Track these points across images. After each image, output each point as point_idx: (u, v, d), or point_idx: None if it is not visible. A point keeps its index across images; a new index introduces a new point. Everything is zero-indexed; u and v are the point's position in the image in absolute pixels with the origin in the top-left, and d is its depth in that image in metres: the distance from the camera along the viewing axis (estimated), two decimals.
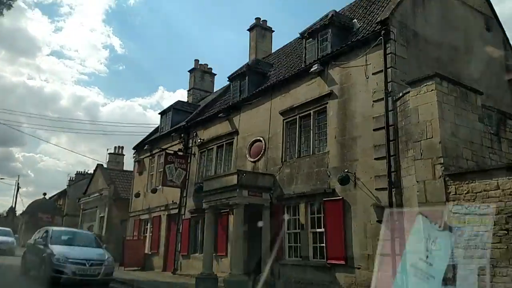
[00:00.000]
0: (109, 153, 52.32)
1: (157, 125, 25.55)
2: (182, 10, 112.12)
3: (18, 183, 55.49)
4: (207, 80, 27.42)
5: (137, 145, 24.38)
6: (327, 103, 12.38)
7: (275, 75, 16.24)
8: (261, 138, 14.85)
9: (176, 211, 18.84)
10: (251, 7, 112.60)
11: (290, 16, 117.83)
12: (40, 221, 42.65)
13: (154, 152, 22.00)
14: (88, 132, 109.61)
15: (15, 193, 55.46)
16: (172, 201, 19.24)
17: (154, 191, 20.15)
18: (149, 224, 21.33)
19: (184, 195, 18.59)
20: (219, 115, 17.12)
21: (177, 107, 22.34)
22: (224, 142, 16.97)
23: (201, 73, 27.04)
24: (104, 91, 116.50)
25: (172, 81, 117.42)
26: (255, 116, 15.50)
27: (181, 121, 21.56)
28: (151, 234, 20.85)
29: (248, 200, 13.18)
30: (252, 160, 14.98)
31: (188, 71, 27.15)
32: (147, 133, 25.65)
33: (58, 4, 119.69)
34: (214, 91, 26.88)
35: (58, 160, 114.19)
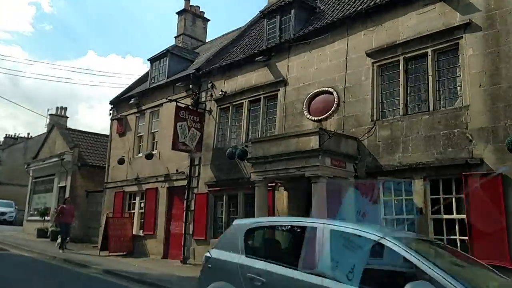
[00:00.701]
0: (49, 114, 45.95)
1: (140, 75, 20.62)
2: None
3: None
4: (199, 26, 22.65)
5: (116, 98, 19.35)
6: (461, 37, 8.73)
7: (337, 7, 12.32)
8: (331, 89, 10.97)
9: (184, 183, 14.54)
10: None
11: None
12: None
13: (144, 107, 17.28)
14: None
15: None
16: (177, 171, 14.89)
17: (149, 156, 15.61)
18: (137, 198, 16.79)
19: (196, 163, 14.33)
20: (256, 59, 12.87)
21: (174, 51, 17.62)
22: (262, 95, 12.83)
23: (192, 17, 22.21)
24: (28, 51, 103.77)
25: (104, 45, 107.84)
26: (316, 60, 11.53)
27: (179, 70, 17.00)
28: (141, 211, 16.38)
29: (332, 172, 9.40)
30: (315, 118, 11.10)
31: (176, 13, 22.19)
32: (124, 86, 20.69)
33: None
34: (208, 40, 22.31)
35: None
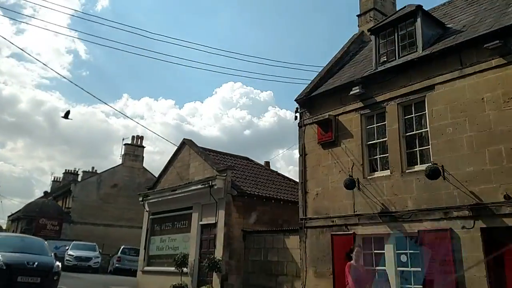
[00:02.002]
0: (125, 144, 40.79)
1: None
2: (151, 18, 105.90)
3: None
4: (388, 1, 16.59)
5: (305, 95, 13.02)
6: None
7: None
8: None
9: None
10: (225, 21, 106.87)
11: None
12: (44, 229, 30.07)
13: (380, 98, 10.83)
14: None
15: None
16: (507, 197, 8.14)
17: (432, 174, 8.94)
18: (389, 247, 10.01)
19: None
20: None
21: (424, 11, 11.25)
22: None
23: None
24: (66, 96, 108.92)
25: (137, 89, 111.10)
26: None
27: (434, 37, 10.61)
28: (403, 269, 9.58)
29: None
30: None
31: None
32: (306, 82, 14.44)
33: (21, 6, 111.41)
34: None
35: (13, 165, 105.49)
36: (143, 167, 41.17)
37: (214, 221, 14.88)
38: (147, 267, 17.77)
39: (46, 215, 30.48)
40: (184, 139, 17.85)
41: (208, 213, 15.32)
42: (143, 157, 41.36)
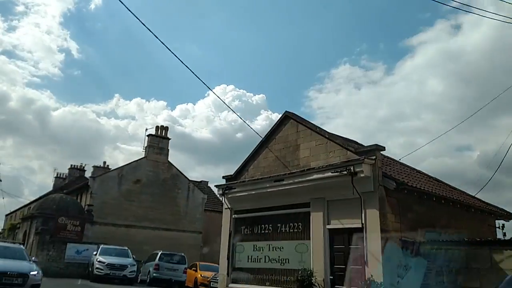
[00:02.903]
0: (148, 135, 36.01)
1: None
2: (145, 19, 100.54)
3: None
4: None
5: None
6: None
7: None
8: None
9: None
10: (215, 23, 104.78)
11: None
12: (64, 229, 25.23)
13: None
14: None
15: None
16: None
17: None
18: None
19: None
20: None
21: None
22: None
23: None
24: (57, 95, 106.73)
25: (129, 90, 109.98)
26: None
27: None
28: None
29: None
30: None
31: None
32: None
33: (14, 3, 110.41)
34: None
35: (2, 164, 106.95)
36: (168, 161, 36.41)
37: (358, 225, 10.27)
38: (235, 285, 13.08)
39: (65, 213, 25.61)
40: (286, 112, 13.21)
41: (341, 213, 10.76)
42: (168, 150, 36.58)
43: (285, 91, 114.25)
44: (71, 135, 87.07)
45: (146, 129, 36.24)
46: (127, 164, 34.84)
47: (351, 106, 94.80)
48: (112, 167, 51.84)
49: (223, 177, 14.83)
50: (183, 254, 24.80)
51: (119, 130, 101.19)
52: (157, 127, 36.36)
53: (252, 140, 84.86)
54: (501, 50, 72.84)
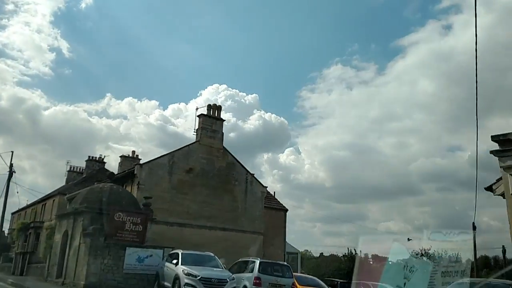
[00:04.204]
0: (200, 116, 29.63)
1: None
2: (136, 18, 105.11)
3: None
4: None
5: None
6: None
7: None
8: None
9: None
10: (208, 22, 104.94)
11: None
12: (122, 229, 18.92)
13: None
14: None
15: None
16: None
17: None
18: None
19: None
20: None
21: None
22: None
23: None
24: (48, 94, 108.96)
25: (120, 89, 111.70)
26: None
27: None
28: None
29: None
30: None
31: None
32: None
33: (3, 1, 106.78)
34: None
35: None
36: (223, 147, 30.16)
37: None
38: None
39: (119, 208, 19.29)
40: None
41: None
42: (222, 134, 30.32)
43: (278, 91, 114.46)
44: (62, 134, 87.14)
45: (197, 108, 29.70)
46: (178, 150, 28.51)
47: (343, 106, 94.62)
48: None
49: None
50: (287, 263, 18.61)
51: (111, 130, 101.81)
52: (209, 106, 30.05)
53: (245, 140, 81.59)
54: (491, 51, 73.86)
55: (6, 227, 67.12)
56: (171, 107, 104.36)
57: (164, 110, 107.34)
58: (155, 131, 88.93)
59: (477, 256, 25.69)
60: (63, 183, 49.91)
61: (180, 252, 16.88)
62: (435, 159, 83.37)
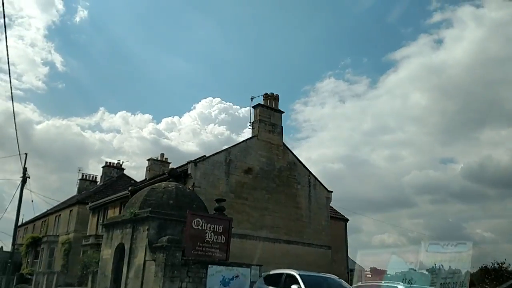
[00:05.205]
0: (257, 106, 24.96)
1: None
2: (130, 32, 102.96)
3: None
4: None
5: None
6: None
7: None
8: None
9: None
10: (201, 36, 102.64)
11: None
12: (202, 241, 13.98)
13: None
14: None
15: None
16: None
17: None
18: None
19: None
20: None
21: None
22: None
23: None
24: (41, 108, 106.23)
25: (114, 103, 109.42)
26: None
27: None
28: None
29: None
30: None
31: None
32: None
33: None
34: None
35: None
36: (283, 143, 25.45)
37: None
38: None
39: (197, 212, 14.34)
40: None
41: None
42: (282, 128, 25.64)
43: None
44: (55, 148, 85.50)
45: (252, 98, 24.89)
46: (234, 146, 23.70)
47: (336, 119, 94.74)
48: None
49: None
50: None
51: (104, 144, 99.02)
52: (265, 95, 25.36)
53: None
54: (482, 65, 74.76)
55: (8, 243, 61.66)
56: (165, 120, 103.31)
57: (157, 124, 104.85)
58: (149, 144, 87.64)
59: (477, 268, 23.08)
60: (75, 193, 44.88)
61: (296, 273, 12.00)
62: (428, 171, 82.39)
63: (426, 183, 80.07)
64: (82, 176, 44.87)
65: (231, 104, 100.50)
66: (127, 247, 14.51)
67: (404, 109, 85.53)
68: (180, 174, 21.12)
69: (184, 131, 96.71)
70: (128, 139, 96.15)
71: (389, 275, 11.93)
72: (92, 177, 45.26)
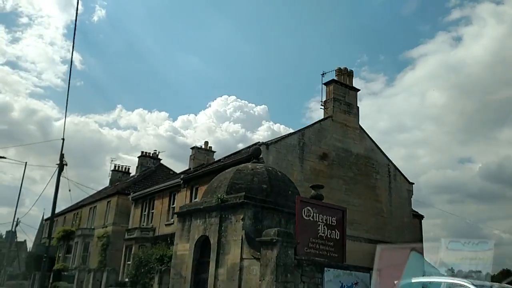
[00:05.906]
0: (330, 82, 21.27)
1: None
2: (146, 31, 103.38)
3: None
4: None
5: None
6: None
7: None
8: None
9: None
10: (216, 34, 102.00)
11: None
12: (315, 237, 10.47)
13: None
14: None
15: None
16: None
17: None
18: None
19: None
20: None
21: None
22: None
23: None
24: (60, 105, 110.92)
25: (131, 101, 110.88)
26: None
27: None
28: None
29: None
30: None
31: None
32: None
33: (17, 14, 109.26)
34: None
35: (4, 173, 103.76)
36: (360, 126, 21.94)
37: None
38: None
39: (286, 201, 11.06)
40: None
41: None
42: (358, 108, 22.14)
43: (287, 102, 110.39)
44: (73, 145, 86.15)
45: (323, 74, 21.40)
46: (308, 127, 20.25)
47: None
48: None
49: None
50: None
51: (121, 141, 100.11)
52: (339, 70, 21.87)
53: None
54: (502, 63, 71.78)
55: (32, 237, 59.46)
56: (181, 118, 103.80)
57: (173, 122, 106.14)
58: (165, 142, 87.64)
59: (497, 270, 20.51)
60: (107, 184, 42.25)
61: (469, 284, 8.51)
62: (445, 170, 78.87)
63: (444, 183, 78.01)
64: (115, 167, 42.15)
65: (246, 102, 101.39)
66: (213, 241, 11.22)
67: (421, 108, 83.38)
68: (250, 158, 17.78)
69: (200, 128, 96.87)
70: (145, 136, 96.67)
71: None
72: (125, 168, 42.60)
